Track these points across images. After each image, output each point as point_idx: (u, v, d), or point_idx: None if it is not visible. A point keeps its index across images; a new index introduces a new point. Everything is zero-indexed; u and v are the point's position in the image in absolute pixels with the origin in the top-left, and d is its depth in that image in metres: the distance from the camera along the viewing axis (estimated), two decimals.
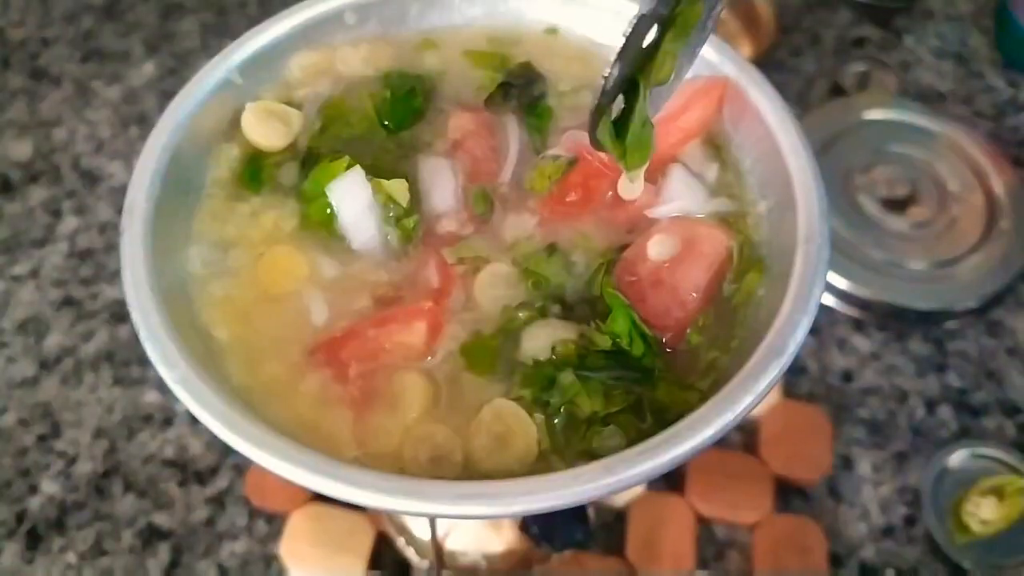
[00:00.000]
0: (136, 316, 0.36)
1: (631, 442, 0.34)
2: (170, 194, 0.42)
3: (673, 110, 0.45)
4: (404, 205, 0.43)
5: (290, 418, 0.38)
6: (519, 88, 0.50)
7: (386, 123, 0.48)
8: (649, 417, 0.38)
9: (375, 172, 0.44)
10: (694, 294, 0.41)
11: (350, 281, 0.43)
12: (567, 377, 0.39)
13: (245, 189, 0.46)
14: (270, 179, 0.47)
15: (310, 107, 0.49)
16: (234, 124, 0.47)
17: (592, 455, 0.36)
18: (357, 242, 0.44)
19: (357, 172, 0.43)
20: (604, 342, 0.40)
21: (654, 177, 0.45)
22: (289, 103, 0.49)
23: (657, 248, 0.43)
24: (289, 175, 0.47)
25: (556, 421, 0.38)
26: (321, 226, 0.44)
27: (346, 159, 0.44)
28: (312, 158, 0.46)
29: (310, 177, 0.45)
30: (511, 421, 0.38)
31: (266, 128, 0.46)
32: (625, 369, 0.39)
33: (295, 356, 0.40)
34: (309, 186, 0.45)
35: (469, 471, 0.37)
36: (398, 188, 0.43)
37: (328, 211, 0.44)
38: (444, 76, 0.52)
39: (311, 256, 0.44)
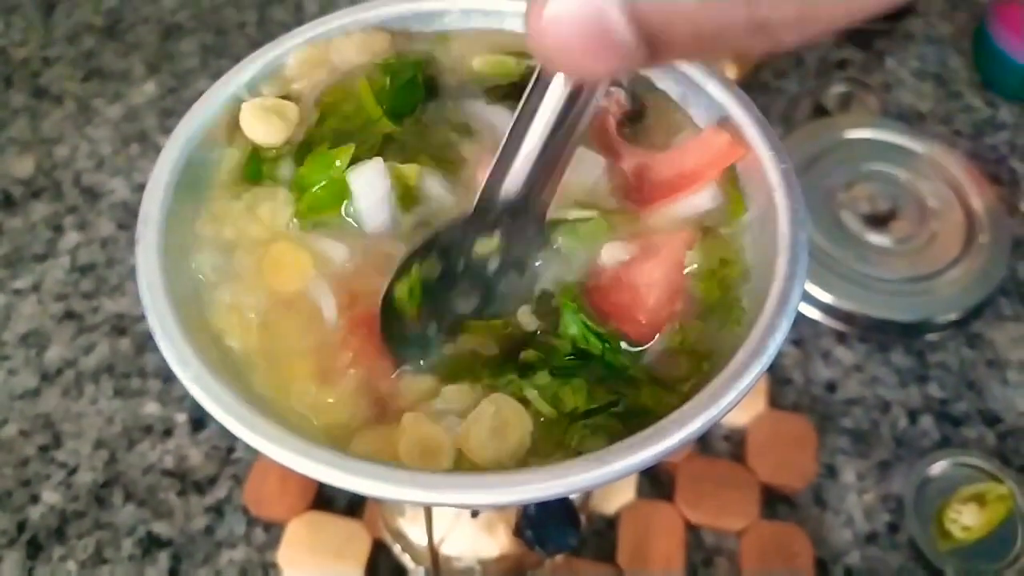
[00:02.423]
0: (152, 319, 0.38)
1: (611, 443, 0.35)
2: (179, 204, 0.43)
3: (695, 163, 0.47)
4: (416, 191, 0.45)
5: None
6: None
7: (385, 109, 0.49)
8: (631, 421, 0.39)
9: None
10: (651, 289, 0.42)
11: (359, 262, 0.44)
12: (543, 378, 0.40)
13: (243, 185, 0.47)
14: (270, 173, 0.47)
15: (307, 99, 0.50)
16: (234, 126, 0.48)
17: (572, 453, 0.37)
18: (370, 227, 0.45)
19: (378, 162, 0.44)
20: (564, 347, 0.41)
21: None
22: (287, 97, 0.49)
23: (610, 253, 0.44)
24: (287, 168, 0.48)
25: (541, 420, 0.39)
26: (321, 212, 0.45)
27: (351, 147, 0.45)
28: (306, 148, 0.47)
29: (306, 164, 0.46)
30: (508, 414, 0.39)
31: (264, 125, 0.47)
32: (605, 368, 0.41)
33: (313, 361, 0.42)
34: (306, 173, 0.46)
35: (459, 463, 0.38)
36: (411, 173, 0.45)
37: (331, 196, 0.45)
38: (448, 69, 0.53)
39: (313, 248, 0.45)
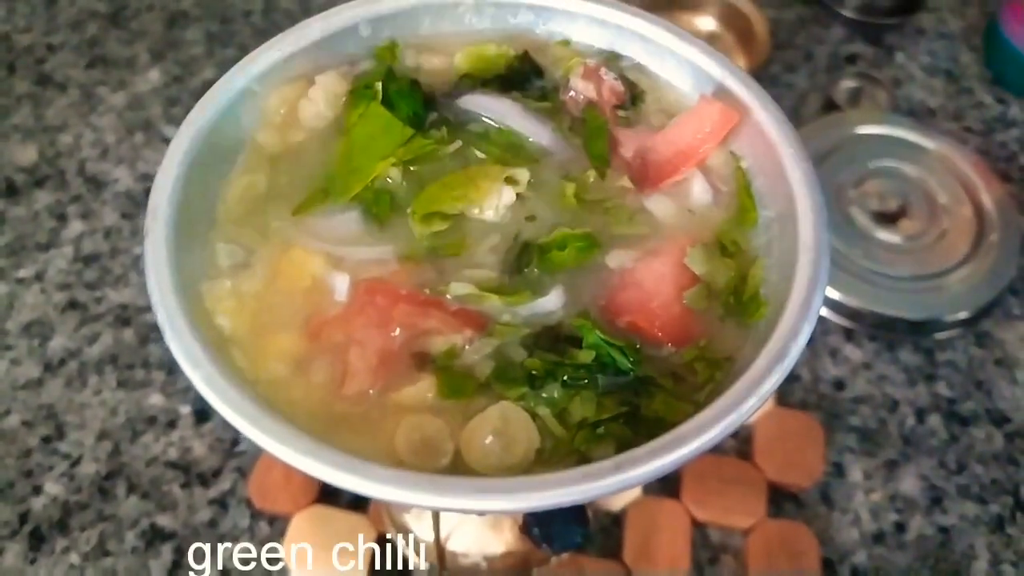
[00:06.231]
0: (161, 317, 0.37)
1: (620, 451, 0.35)
2: (191, 197, 0.43)
3: (692, 138, 0.47)
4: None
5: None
6: (521, 78, 0.52)
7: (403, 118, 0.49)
8: (642, 428, 0.39)
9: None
10: (661, 282, 0.42)
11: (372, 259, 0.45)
12: (554, 390, 0.40)
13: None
14: None
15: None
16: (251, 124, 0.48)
17: (580, 461, 0.37)
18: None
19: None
20: (586, 356, 0.41)
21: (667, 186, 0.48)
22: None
23: (616, 259, 0.44)
24: None
25: (549, 425, 0.39)
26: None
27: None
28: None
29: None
30: (515, 427, 0.39)
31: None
32: (617, 375, 0.40)
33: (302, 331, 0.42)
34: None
35: (458, 467, 0.38)
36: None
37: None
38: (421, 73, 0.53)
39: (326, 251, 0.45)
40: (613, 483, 0.33)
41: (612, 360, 0.40)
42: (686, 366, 0.41)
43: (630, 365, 0.40)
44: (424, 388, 0.41)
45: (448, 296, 0.43)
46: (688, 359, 0.41)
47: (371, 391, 0.40)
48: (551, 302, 0.43)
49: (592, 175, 0.48)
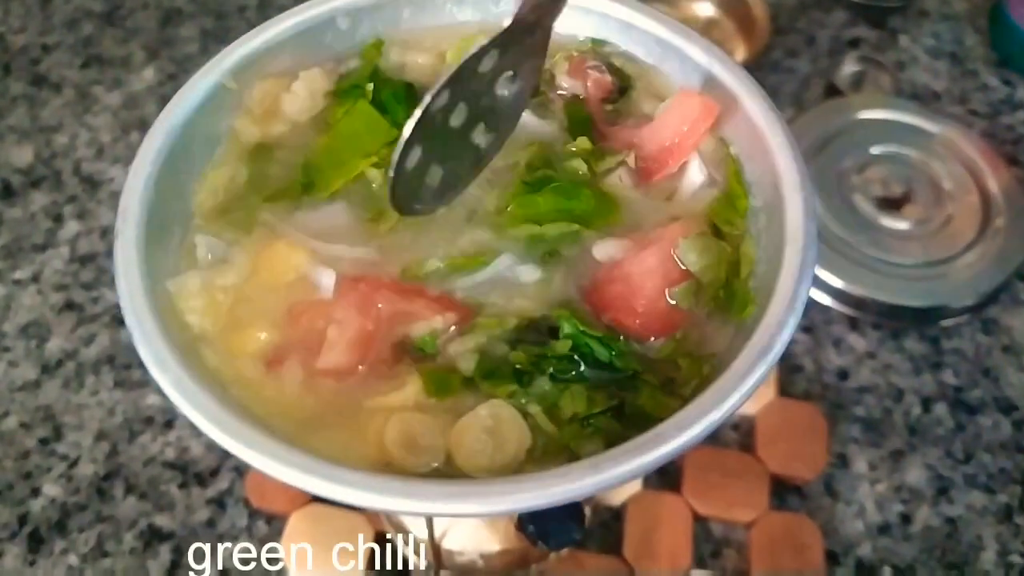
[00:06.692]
0: (130, 320, 0.37)
1: (609, 447, 0.34)
2: (166, 196, 0.42)
3: (676, 131, 0.46)
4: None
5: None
6: None
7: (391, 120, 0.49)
8: (630, 423, 0.38)
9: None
10: (647, 277, 0.42)
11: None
12: (544, 384, 0.39)
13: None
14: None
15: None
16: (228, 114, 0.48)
17: (570, 458, 0.36)
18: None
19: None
20: (562, 347, 0.40)
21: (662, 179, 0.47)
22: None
23: (603, 251, 0.44)
24: None
25: (540, 423, 0.39)
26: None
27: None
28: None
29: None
30: (506, 426, 0.38)
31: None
32: (604, 370, 0.40)
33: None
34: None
35: (449, 466, 0.38)
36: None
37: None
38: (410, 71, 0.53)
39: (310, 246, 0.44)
40: (590, 484, 0.32)
41: (590, 349, 0.39)
42: (671, 361, 0.40)
43: (610, 356, 0.39)
44: (411, 392, 0.40)
45: (425, 272, 0.43)
46: (672, 354, 0.40)
47: (346, 371, 0.39)
48: (527, 272, 0.43)
49: (583, 167, 0.48)
